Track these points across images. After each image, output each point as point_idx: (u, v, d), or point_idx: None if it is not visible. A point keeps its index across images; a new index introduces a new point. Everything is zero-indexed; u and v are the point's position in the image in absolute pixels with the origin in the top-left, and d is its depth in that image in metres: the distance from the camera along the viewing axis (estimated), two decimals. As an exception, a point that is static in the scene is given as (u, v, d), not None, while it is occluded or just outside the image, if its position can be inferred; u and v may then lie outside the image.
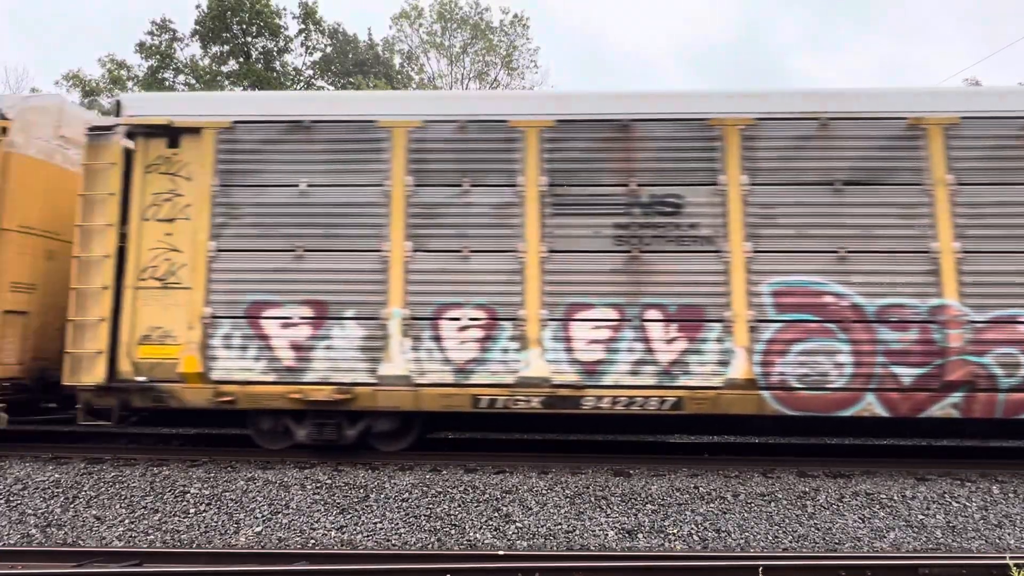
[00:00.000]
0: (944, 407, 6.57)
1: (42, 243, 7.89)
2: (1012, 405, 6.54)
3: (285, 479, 6.59)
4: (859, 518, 5.92)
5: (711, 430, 9.02)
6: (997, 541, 5.60)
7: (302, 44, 24.84)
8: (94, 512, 6.06)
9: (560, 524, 5.81)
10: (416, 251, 6.98)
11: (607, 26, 66.85)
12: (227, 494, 6.31)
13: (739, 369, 6.66)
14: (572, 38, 57.04)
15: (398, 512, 6.00)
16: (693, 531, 5.72)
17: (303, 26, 24.48)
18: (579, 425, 8.62)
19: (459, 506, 6.08)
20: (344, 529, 5.76)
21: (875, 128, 6.90)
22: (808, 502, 6.16)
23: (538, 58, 33.56)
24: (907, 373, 6.59)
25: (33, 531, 5.80)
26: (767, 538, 5.62)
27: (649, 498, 6.22)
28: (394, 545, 5.52)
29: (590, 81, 55.77)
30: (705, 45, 77.61)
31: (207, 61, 23.42)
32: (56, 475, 6.70)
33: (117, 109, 7.48)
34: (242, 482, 6.53)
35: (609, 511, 6.02)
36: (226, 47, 23.44)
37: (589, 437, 8.83)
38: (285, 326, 6.94)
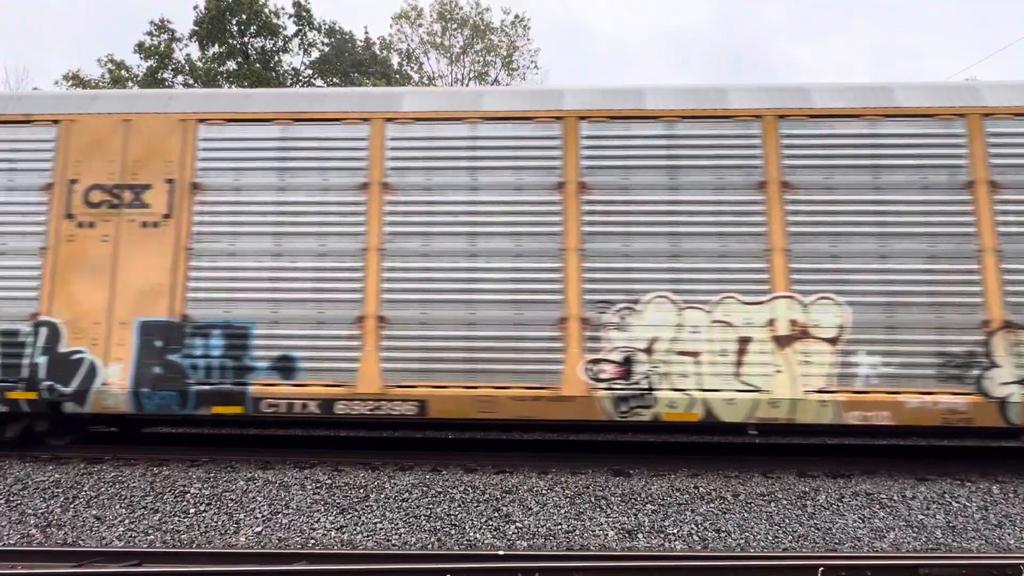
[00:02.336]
0: None
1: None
2: None
3: (285, 479, 6.59)
4: (859, 518, 5.92)
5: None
6: (997, 541, 5.60)
7: (300, 44, 24.82)
8: (94, 512, 6.05)
9: (560, 524, 5.81)
10: None
11: (588, 14, 66.17)
12: (227, 494, 6.31)
13: None
14: (552, 25, 56.52)
15: (398, 512, 6.00)
16: (693, 531, 5.71)
17: (299, 26, 24.46)
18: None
19: (459, 506, 6.08)
20: (344, 529, 5.75)
21: None
22: (808, 502, 6.16)
23: (538, 59, 33.51)
24: None
25: (33, 531, 5.79)
26: (767, 538, 5.61)
27: (649, 498, 6.22)
28: (394, 545, 5.52)
29: (583, 74, 55.48)
30: (686, 31, 76.53)
31: (203, 62, 23.39)
32: (56, 475, 6.71)
33: None
34: (242, 482, 6.53)
35: (609, 511, 6.02)
36: (224, 47, 23.41)
37: (590, 437, 8.84)
38: None
